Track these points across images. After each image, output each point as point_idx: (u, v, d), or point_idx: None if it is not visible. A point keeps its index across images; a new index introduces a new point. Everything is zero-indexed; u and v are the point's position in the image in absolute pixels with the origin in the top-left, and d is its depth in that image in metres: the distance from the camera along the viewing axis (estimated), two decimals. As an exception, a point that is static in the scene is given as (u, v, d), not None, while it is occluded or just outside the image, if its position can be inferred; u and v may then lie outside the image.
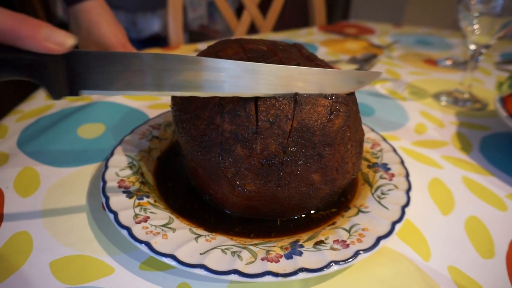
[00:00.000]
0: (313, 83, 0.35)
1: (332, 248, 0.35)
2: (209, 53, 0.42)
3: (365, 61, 0.88)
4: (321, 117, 0.35)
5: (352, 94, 0.38)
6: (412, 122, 0.65)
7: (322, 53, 0.95)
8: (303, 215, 0.41)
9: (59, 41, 0.27)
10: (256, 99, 0.35)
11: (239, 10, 1.37)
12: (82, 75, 0.29)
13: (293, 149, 0.35)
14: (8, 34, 0.25)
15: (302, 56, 0.41)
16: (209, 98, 0.36)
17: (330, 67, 0.39)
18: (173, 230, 0.36)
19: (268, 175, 0.35)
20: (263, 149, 0.35)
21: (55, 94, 0.29)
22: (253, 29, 1.22)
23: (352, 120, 0.38)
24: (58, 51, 0.27)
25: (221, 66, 0.32)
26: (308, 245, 0.35)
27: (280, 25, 1.26)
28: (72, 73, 0.28)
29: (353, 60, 0.88)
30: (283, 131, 0.34)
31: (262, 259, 0.33)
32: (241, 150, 0.35)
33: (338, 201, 0.43)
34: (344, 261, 0.33)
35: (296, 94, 0.35)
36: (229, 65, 0.32)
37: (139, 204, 0.38)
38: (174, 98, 0.42)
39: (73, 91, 0.29)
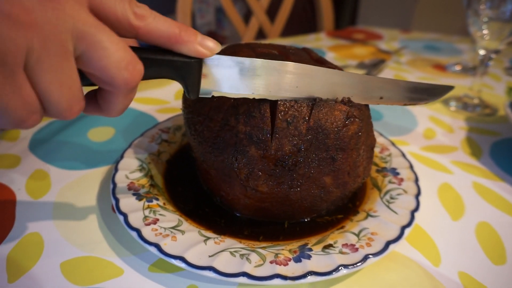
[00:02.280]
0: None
1: (341, 252, 0.35)
2: None
3: (373, 67, 0.88)
4: (337, 121, 0.35)
5: None
6: (421, 127, 0.64)
7: (330, 58, 0.95)
8: (310, 219, 0.41)
9: (210, 47, 0.30)
10: (272, 100, 0.35)
11: (247, 16, 1.38)
12: (216, 77, 0.32)
13: (306, 147, 0.35)
14: (171, 40, 0.28)
15: (312, 60, 0.41)
16: (223, 100, 0.37)
17: (340, 69, 0.40)
18: (182, 232, 0.36)
19: (281, 176, 0.36)
20: (277, 150, 0.35)
21: (193, 93, 0.32)
22: (261, 34, 1.23)
23: (365, 125, 0.38)
24: (207, 56, 0.30)
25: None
26: (317, 248, 0.35)
27: (288, 31, 1.26)
28: (208, 75, 0.32)
29: (361, 66, 0.88)
30: (299, 132, 0.35)
31: (271, 262, 0.33)
32: (255, 151, 0.35)
33: (346, 207, 0.42)
34: (353, 265, 0.33)
35: (315, 98, 0.36)
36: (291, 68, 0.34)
37: (148, 206, 0.39)
38: (185, 101, 0.42)
39: (207, 91, 0.32)
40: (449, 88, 0.42)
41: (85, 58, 0.24)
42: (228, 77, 0.32)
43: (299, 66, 0.34)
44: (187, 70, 0.30)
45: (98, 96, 0.28)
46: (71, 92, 0.24)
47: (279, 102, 0.35)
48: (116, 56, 0.24)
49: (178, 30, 0.28)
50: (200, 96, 0.32)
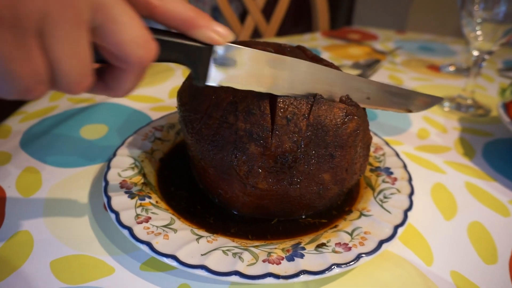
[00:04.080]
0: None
1: (334, 251, 0.35)
2: None
3: (368, 67, 0.88)
4: (336, 118, 0.36)
5: None
6: (414, 127, 0.65)
7: (325, 58, 0.95)
8: (300, 219, 0.41)
9: (224, 34, 0.30)
10: (272, 97, 0.35)
11: (242, 15, 1.38)
12: (225, 66, 0.32)
13: (306, 144, 0.35)
14: (186, 23, 0.28)
15: (308, 57, 0.41)
16: (222, 97, 0.37)
17: (337, 68, 0.40)
18: (175, 231, 0.36)
19: (281, 173, 0.36)
20: (277, 147, 0.35)
21: (201, 81, 0.31)
22: (256, 33, 1.23)
23: (362, 123, 0.38)
24: (220, 43, 0.30)
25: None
26: (310, 247, 0.35)
27: (283, 30, 1.26)
28: (218, 63, 0.31)
29: (356, 66, 0.88)
30: (299, 129, 0.35)
31: (264, 261, 0.33)
32: (255, 148, 0.35)
33: (331, 214, 0.42)
34: (346, 264, 0.33)
35: (316, 94, 0.36)
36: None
37: (140, 205, 0.38)
38: (181, 99, 0.42)
39: (214, 80, 0.32)
40: (439, 99, 0.42)
41: (101, 31, 0.23)
42: (237, 67, 0.32)
43: (311, 65, 0.35)
44: (198, 56, 0.30)
45: (107, 73, 0.27)
46: (82, 64, 0.23)
47: (278, 99, 0.35)
48: (133, 32, 0.24)
49: (194, 14, 0.28)
50: (206, 84, 0.32)
